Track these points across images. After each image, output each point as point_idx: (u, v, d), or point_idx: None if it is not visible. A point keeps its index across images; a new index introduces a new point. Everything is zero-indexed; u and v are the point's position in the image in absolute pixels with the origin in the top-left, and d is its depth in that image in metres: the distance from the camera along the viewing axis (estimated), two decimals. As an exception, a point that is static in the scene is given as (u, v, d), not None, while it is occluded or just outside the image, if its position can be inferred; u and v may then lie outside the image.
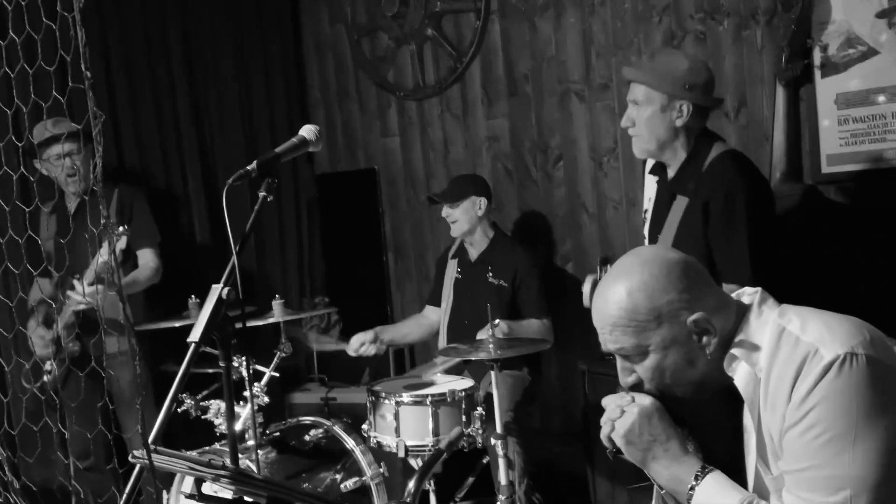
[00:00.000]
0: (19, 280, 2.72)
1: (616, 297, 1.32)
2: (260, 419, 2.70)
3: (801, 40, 2.78)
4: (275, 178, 1.47)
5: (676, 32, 3.18)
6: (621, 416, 1.36)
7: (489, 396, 2.64)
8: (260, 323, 2.68)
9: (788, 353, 1.25)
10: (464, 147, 3.91)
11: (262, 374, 2.67)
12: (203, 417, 2.60)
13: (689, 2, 3.13)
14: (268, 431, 2.79)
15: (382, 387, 2.81)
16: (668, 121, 2.20)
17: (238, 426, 2.59)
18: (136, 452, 1.12)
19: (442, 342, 3.29)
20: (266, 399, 2.58)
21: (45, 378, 2.87)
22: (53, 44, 1.84)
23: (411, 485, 1.45)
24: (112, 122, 3.58)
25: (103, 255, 2.68)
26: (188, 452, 2.56)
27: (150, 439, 1.14)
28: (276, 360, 2.67)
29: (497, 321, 2.62)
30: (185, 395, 2.68)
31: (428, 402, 2.62)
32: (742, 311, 1.35)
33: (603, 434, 1.40)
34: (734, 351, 1.31)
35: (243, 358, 2.68)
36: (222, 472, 1.01)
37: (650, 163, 2.40)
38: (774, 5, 2.90)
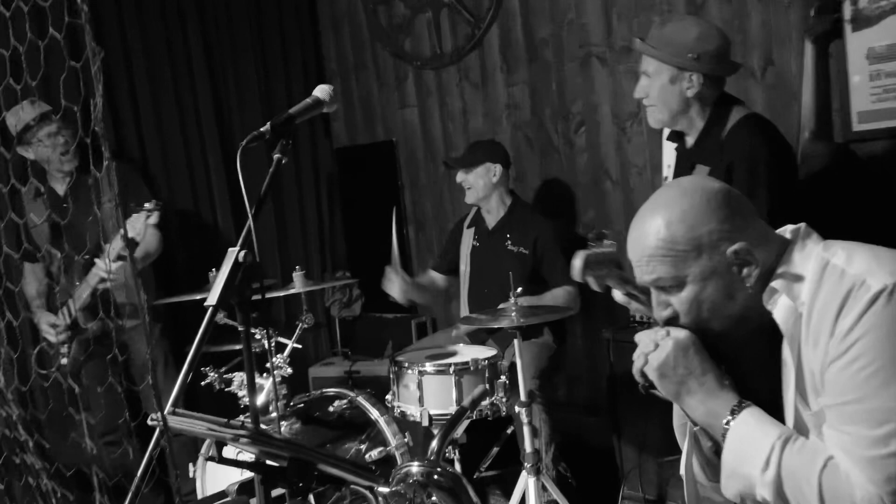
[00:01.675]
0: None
1: (654, 227, 1.28)
2: (284, 391, 2.70)
3: (832, -4, 2.68)
4: (289, 139, 1.43)
5: (700, -9, 3.09)
6: (655, 349, 1.32)
7: (513, 365, 2.62)
8: (281, 294, 2.67)
9: (833, 285, 1.20)
10: (483, 116, 3.86)
11: (285, 346, 2.67)
12: (227, 390, 2.60)
13: (713, -42, 3.04)
14: (292, 403, 2.78)
15: (405, 357, 2.79)
16: (678, 92, 2.14)
17: (262, 398, 2.59)
18: (153, 415, 1.11)
19: (464, 312, 3.26)
20: (289, 370, 2.58)
21: (63, 361, 2.88)
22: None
23: (434, 443, 1.43)
24: (131, 99, 3.57)
25: (130, 233, 2.66)
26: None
27: (171, 401, 1.13)
28: (298, 331, 2.66)
29: (520, 290, 2.58)
30: (208, 368, 2.69)
31: (451, 372, 2.60)
32: (784, 244, 1.30)
33: (635, 368, 1.36)
34: (775, 284, 1.26)
35: (265, 330, 2.69)
36: (240, 432, 0.99)
37: (667, 129, 2.34)
38: (803, -42, 2.81)
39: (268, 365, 2.56)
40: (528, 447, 2.53)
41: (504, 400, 2.64)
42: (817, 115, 2.72)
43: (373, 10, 4.10)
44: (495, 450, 3.16)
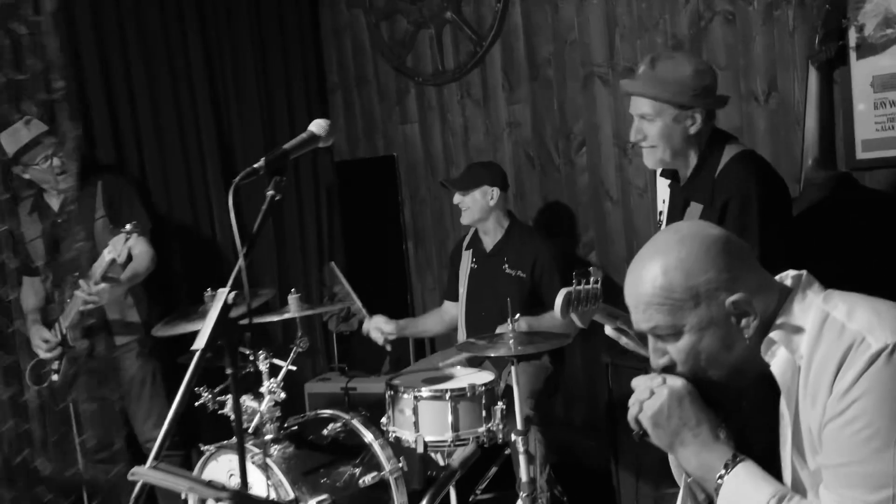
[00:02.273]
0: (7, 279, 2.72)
1: (651, 274, 1.25)
2: (278, 413, 2.67)
3: (836, 20, 2.66)
4: (283, 175, 1.40)
5: (704, 13, 3.07)
6: (650, 397, 1.29)
7: (510, 389, 2.59)
8: (275, 318, 2.64)
9: (832, 341, 1.18)
10: (484, 133, 3.83)
11: (280, 368, 2.64)
12: (220, 412, 2.57)
13: (717, -19, 3.02)
14: (286, 425, 2.76)
15: (401, 380, 2.76)
16: (681, 130, 2.10)
17: (255, 421, 2.56)
18: (136, 469, 1.08)
19: (461, 335, 3.24)
20: (282, 395, 2.55)
21: (53, 378, 2.86)
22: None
23: None
24: (131, 112, 3.53)
25: (110, 254, 2.64)
26: (212, 444, 2.55)
27: (153, 455, 1.10)
28: (292, 354, 2.63)
29: (518, 316, 2.55)
30: (202, 388, 2.67)
31: (447, 398, 2.57)
32: (785, 293, 1.26)
33: (630, 415, 1.33)
34: (773, 335, 1.23)
35: (261, 353, 2.66)
36: (222, 494, 0.97)
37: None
38: (809, -19, 2.78)
39: (262, 389, 2.53)
40: (523, 476, 2.50)
41: (501, 426, 2.61)
42: (821, 142, 2.70)
43: (375, 24, 4.08)
44: (493, 470, 3.13)
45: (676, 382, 1.28)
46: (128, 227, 2.59)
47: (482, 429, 2.60)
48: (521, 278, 3.10)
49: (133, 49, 3.54)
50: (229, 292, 1.27)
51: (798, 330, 1.22)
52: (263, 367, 2.66)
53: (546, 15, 3.53)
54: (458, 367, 2.94)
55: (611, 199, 3.48)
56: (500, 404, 2.62)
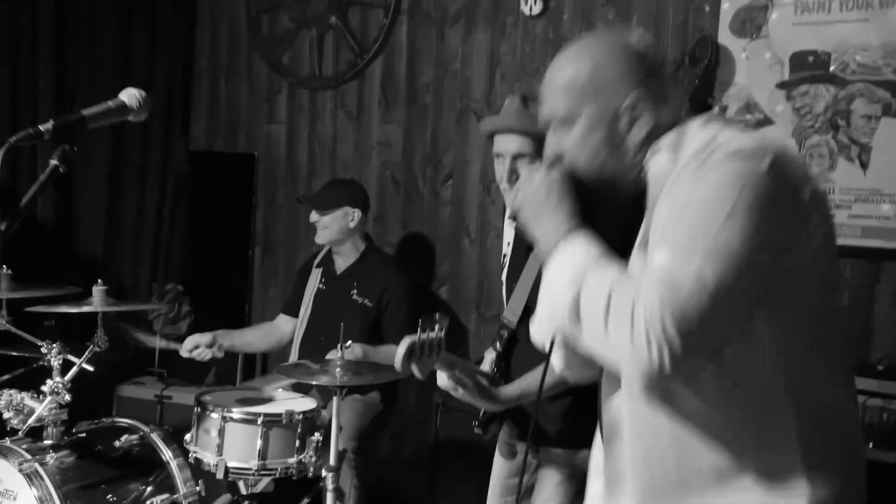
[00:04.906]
0: None
1: (565, 62, 1.28)
2: (64, 416, 2.36)
3: (703, 98, 2.73)
4: (74, 146, 1.18)
5: (584, 68, 3.09)
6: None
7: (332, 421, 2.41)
8: (73, 310, 2.32)
9: (703, 147, 1.19)
10: (353, 148, 3.68)
11: (73, 365, 2.33)
12: (-11, 408, 2.23)
13: (600, 39, 3.04)
14: (73, 431, 2.44)
15: (213, 397, 2.52)
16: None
17: (31, 422, 2.24)
18: None
19: (293, 356, 3.03)
20: (67, 397, 2.25)
21: None
22: None
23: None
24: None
25: None
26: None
27: None
28: (87, 353, 2.33)
29: (349, 343, 2.39)
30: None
31: (259, 422, 2.35)
32: (687, 119, 1.26)
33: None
34: (661, 142, 1.24)
35: (54, 346, 2.35)
36: None
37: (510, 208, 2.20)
38: (682, 58, 2.85)
39: (44, 388, 2.22)
40: (327, 516, 2.33)
41: (313, 459, 2.42)
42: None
43: (255, 16, 3.85)
44: (306, 502, 2.92)
45: (554, 172, 1.28)
46: None
47: (293, 459, 2.40)
48: (367, 307, 2.95)
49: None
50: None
51: (686, 141, 1.21)
52: (56, 362, 2.35)
53: (431, 40, 3.45)
54: (282, 390, 2.73)
55: (469, 236, 3.41)
56: (317, 436, 2.44)
